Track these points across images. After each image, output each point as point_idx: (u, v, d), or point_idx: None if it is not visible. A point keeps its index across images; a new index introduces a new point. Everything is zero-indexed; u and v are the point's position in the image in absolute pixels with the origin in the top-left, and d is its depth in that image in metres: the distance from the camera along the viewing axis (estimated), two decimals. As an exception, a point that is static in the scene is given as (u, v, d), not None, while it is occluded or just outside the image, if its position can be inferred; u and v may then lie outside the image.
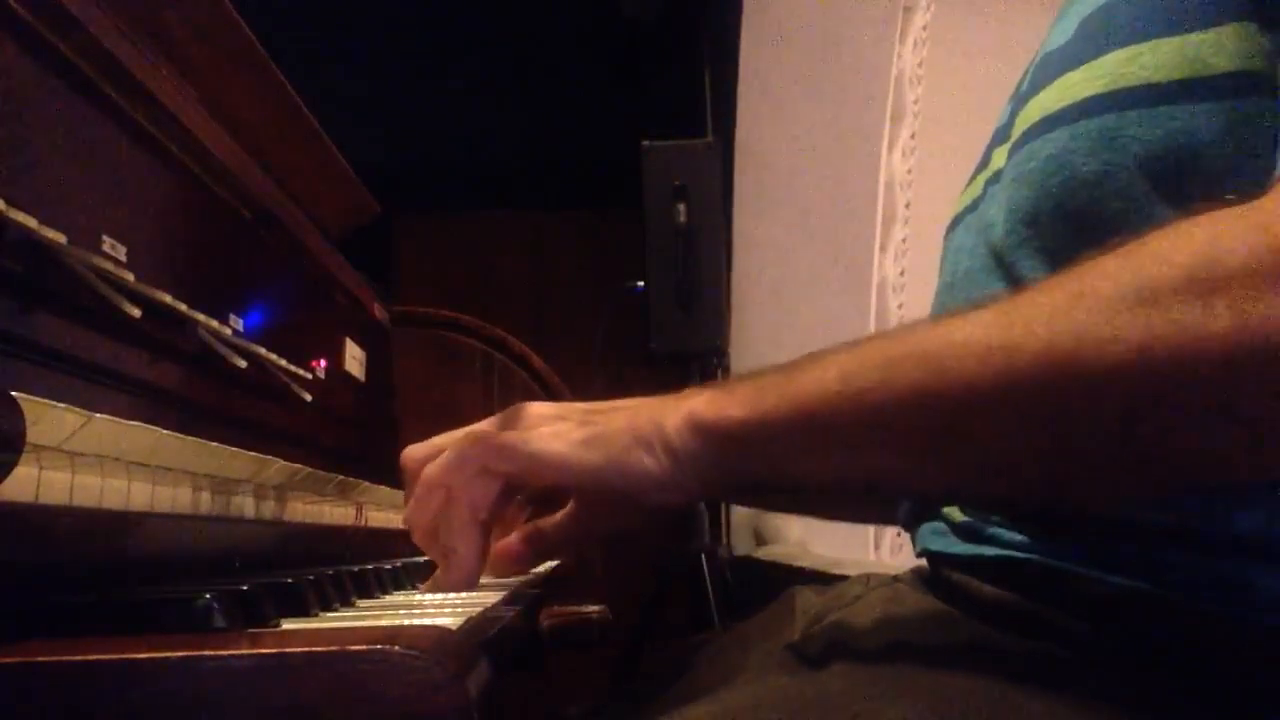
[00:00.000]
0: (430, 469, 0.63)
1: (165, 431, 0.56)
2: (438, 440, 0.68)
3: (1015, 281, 0.58)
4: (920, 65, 2.72)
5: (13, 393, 0.39)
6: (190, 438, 0.61)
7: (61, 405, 0.43)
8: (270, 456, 0.77)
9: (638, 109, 3.15)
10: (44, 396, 0.44)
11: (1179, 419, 0.44)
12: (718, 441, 0.55)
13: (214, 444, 0.64)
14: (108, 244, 0.66)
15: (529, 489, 0.65)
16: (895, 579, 0.70)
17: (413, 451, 0.68)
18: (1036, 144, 0.58)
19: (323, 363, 1.11)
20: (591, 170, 3.87)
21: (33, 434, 0.40)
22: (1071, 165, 0.55)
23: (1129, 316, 0.44)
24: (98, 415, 0.46)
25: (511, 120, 4.28)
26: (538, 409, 0.66)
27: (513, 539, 0.67)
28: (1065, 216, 0.55)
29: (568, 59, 3.94)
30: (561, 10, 3.65)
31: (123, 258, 0.67)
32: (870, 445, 0.51)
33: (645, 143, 2.23)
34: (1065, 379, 0.45)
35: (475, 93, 4.09)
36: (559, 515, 0.65)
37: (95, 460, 0.48)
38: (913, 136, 2.79)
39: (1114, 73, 0.55)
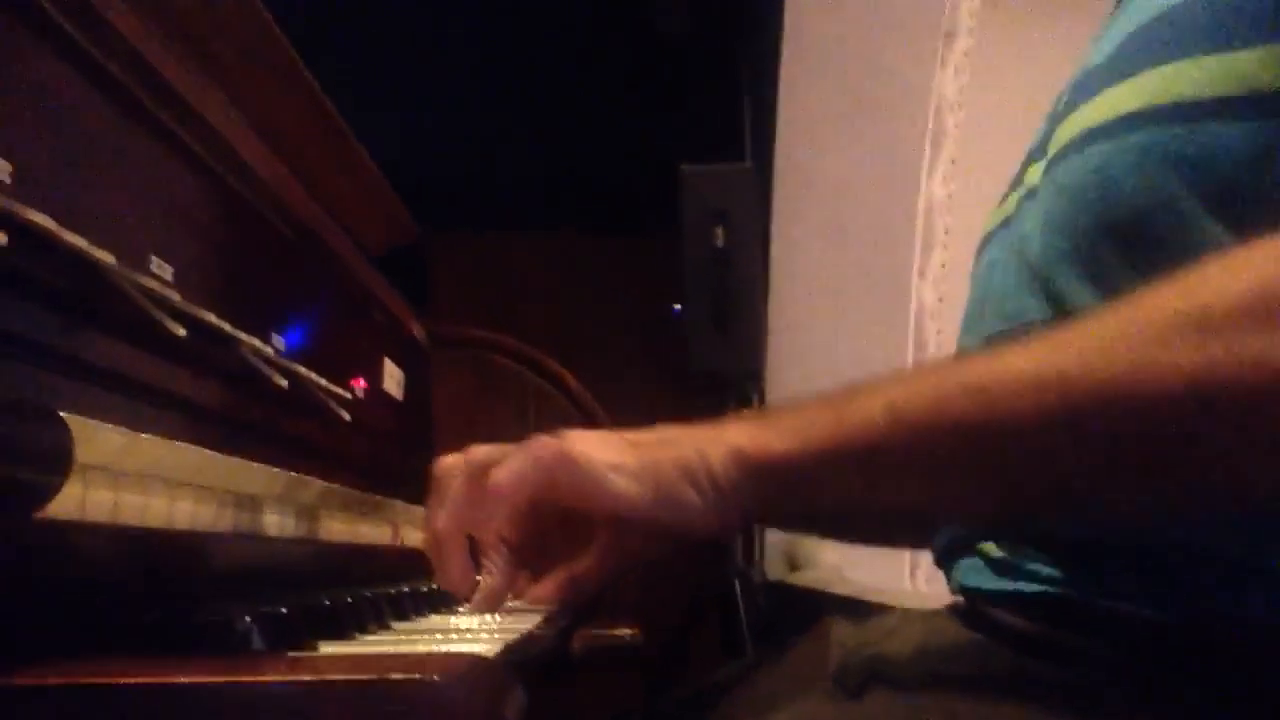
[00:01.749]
0: (496, 476, 0.61)
1: (208, 451, 0.57)
2: (482, 451, 0.66)
3: (1053, 298, 0.57)
4: (961, 91, 2.71)
5: (61, 413, 0.39)
6: (232, 457, 0.62)
7: (108, 425, 0.44)
8: (308, 476, 0.77)
9: (676, 132, 3.16)
10: (90, 412, 0.45)
11: (1238, 446, 0.43)
12: (762, 475, 0.54)
13: (254, 463, 0.64)
14: (155, 263, 0.67)
15: (550, 510, 0.64)
16: (932, 614, 0.69)
17: (447, 461, 0.67)
18: (1077, 159, 0.57)
19: (361, 382, 1.12)
20: (630, 193, 3.88)
21: (80, 453, 0.40)
22: (1114, 180, 0.54)
23: (1187, 345, 0.43)
24: (143, 435, 0.47)
25: (551, 142, 4.31)
26: (578, 432, 0.66)
27: (546, 588, 0.66)
28: (1106, 231, 0.54)
29: (607, 81, 3.96)
30: (600, 33, 3.68)
31: (169, 277, 0.68)
32: (919, 477, 0.50)
33: (684, 167, 2.24)
34: (1123, 409, 0.44)
35: (515, 114, 4.11)
36: (589, 560, 0.64)
37: (139, 478, 0.48)
38: (953, 162, 2.77)
39: (1157, 88, 0.54)
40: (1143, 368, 0.44)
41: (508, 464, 0.61)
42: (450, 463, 0.67)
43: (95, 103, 0.62)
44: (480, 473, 0.63)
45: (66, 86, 0.59)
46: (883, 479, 0.51)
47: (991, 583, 0.59)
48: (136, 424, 0.50)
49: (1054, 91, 0.70)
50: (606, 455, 0.60)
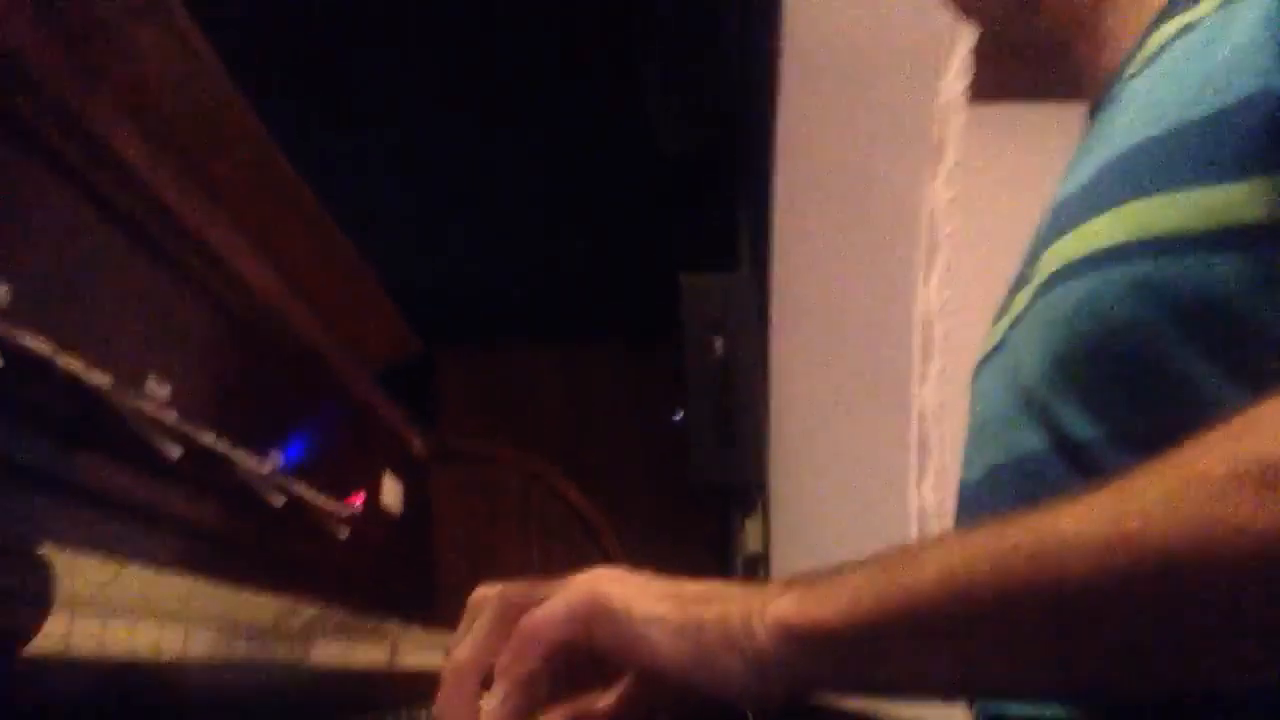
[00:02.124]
0: (531, 619, 0.59)
1: (196, 580, 0.55)
2: (518, 588, 0.64)
3: (1052, 429, 0.57)
4: (953, 202, 2.76)
5: (48, 544, 0.38)
6: (221, 584, 0.60)
7: (95, 557, 0.43)
8: (303, 598, 0.75)
9: (675, 243, 3.21)
10: (82, 537, 0.44)
11: None
12: (811, 649, 0.52)
13: (244, 591, 0.63)
14: (152, 384, 0.67)
15: (579, 650, 0.61)
16: None
17: (482, 592, 0.64)
18: (1061, 289, 0.57)
19: (360, 498, 1.11)
20: (630, 303, 3.92)
21: (65, 586, 0.39)
22: (1102, 311, 0.54)
23: (1252, 502, 0.42)
24: (129, 567, 0.46)
25: (552, 255, 4.37)
26: (616, 574, 0.63)
27: None
28: (1098, 362, 0.54)
29: (606, 194, 4.04)
30: (600, 147, 3.76)
31: (166, 397, 0.68)
32: (978, 648, 0.48)
33: (683, 276, 2.26)
34: (1192, 572, 0.43)
35: (516, 228, 4.18)
36: (609, 701, 0.61)
37: (126, 609, 0.47)
38: (948, 269, 2.80)
39: (1142, 221, 0.54)
40: (1209, 528, 0.42)
41: (544, 609, 0.59)
42: (485, 595, 0.64)
43: (94, 222, 0.62)
44: (514, 611, 0.61)
45: (65, 206, 0.59)
46: (938, 650, 0.49)
47: (1015, 709, 0.57)
48: (130, 547, 0.49)
49: (1041, 201, 0.71)
50: (646, 606, 0.56)
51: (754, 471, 2.20)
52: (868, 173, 2.51)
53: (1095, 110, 0.68)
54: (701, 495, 2.19)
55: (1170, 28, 0.61)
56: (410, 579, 1.30)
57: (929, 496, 2.23)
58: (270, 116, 0.91)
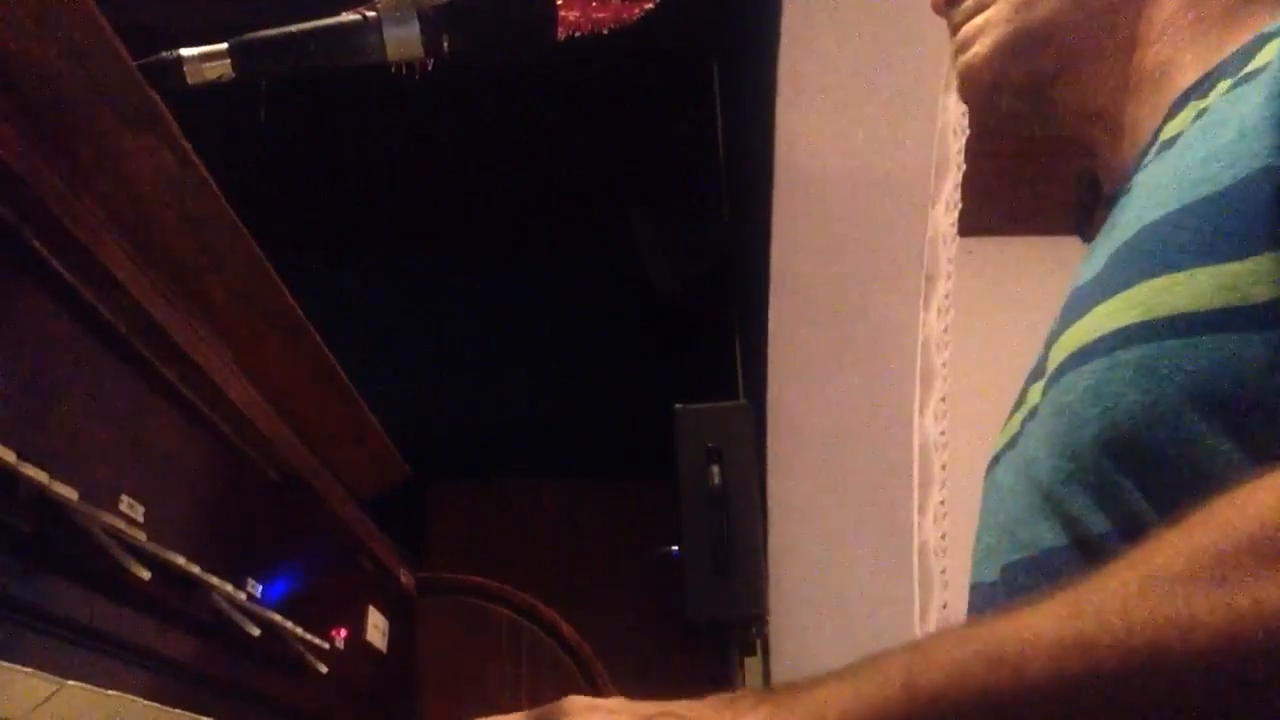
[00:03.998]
0: None
1: (144, 701, 0.52)
2: None
3: (1067, 524, 0.56)
4: (946, 330, 2.78)
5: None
6: (178, 711, 0.56)
7: (28, 670, 0.39)
8: (278, 734, 0.71)
9: (669, 375, 3.21)
10: (41, 665, 0.40)
11: (1270, 696, 0.42)
12: None
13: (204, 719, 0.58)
14: (125, 502, 0.64)
15: None
16: None
17: None
18: (1072, 376, 0.57)
19: (343, 632, 1.06)
20: (624, 437, 3.90)
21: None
22: (1111, 396, 0.53)
23: (1207, 599, 0.42)
24: (69, 682, 0.42)
25: (543, 389, 4.37)
26: (584, 705, 0.61)
27: None
28: (1107, 450, 0.53)
29: (599, 330, 4.07)
30: (591, 283, 3.80)
31: (140, 517, 0.65)
32: None
33: (678, 406, 2.24)
34: (1149, 671, 0.43)
35: (507, 362, 4.19)
36: None
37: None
38: (944, 399, 2.80)
39: (1149, 302, 0.54)
40: (1165, 626, 0.42)
41: None
42: None
43: (74, 333, 0.61)
44: None
45: (45, 315, 0.58)
46: None
47: None
48: (93, 678, 0.46)
49: (1033, 328, 0.71)
50: None
51: (753, 607, 2.14)
52: (860, 301, 2.53)
53: (1111, 202, 0.68)
54: (699, 632, 2.12)
55: (1187, 113, 0.62)
56: (393, 717, 1.23)
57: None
58: (267, 246, 0.90)
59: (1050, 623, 0.45)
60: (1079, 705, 0.44)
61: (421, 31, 0.71)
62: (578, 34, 0.74)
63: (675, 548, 2.18)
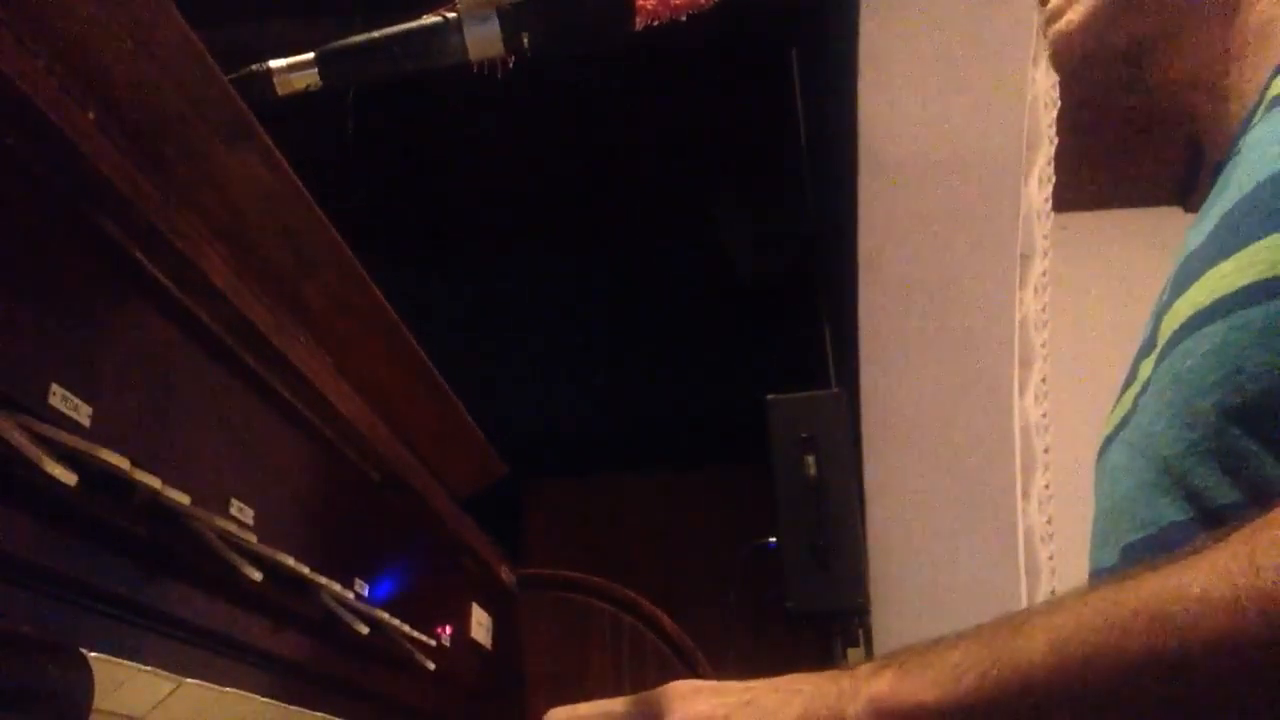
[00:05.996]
0: None
1: (259, 698, 0.53)
2: (585, 710, 0.62)
3: (1192, 497, 0.53)
4: (1044, 310, 2.70)
5: (107, 656, 0.36)
6: (293, 708, 0.57)
7: (148, 669, 0.40)
8: (389, 730, 0.72)
9: (758, 363, 3.18)
10: (160, 664, 0.41)
11: None
12: None
13: (319, 715, 0.59)
14: (235, 506, 0.65)
15: None
16: None
17: (555, 715, 0.62)
18: (1189, 343, 0.54)
19: (448, 629, 1.07)
20: (719, 428, 3.89)
21: (116, 700, 0.36)
22: (1234, 358, 0.51)
23: None
24: (187, 680, 0.43)
25: (637, 382, 4.38)
26: (688, 689, 0.60)
27: None
28: (1233, 416, 0.51)
29: (685, 321, 4.06)
30: (676, 274, 3.79)
31: (249, 520, 0.66)
32: (1097, 717, 0.44)
33: (770, 396, 2.22)
34: None
35: (595, 357, 4.21)
36: None
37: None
38: (1044, 380, 2.72)
39: (1270, 259, 0.51)
40: None
41: None
42: (558, 717, 0.62)
43: (179, 342, 0.62)
44: None
45: (151, 326, 0.59)
46: None
47: None
48: (208, 675, 0.47)
49: (1133, 304, 0.68)
50: (708, 706, 0.55)
51: (856, 597, 2.11)
52: (953, 282, 2.48)
53: (1218, 168, 0.65)
54: (801, 624, 2.10)
55: None
56: (501, 713, 1.25)
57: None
58: (363, 251, 0.92)
59: (1218, 578, 0.42)
60: (1261, 667, 0.41)
61: (501, 29, 0.71)
62: (655, 23, 0.74)
63: (772, 540, 2.16)
